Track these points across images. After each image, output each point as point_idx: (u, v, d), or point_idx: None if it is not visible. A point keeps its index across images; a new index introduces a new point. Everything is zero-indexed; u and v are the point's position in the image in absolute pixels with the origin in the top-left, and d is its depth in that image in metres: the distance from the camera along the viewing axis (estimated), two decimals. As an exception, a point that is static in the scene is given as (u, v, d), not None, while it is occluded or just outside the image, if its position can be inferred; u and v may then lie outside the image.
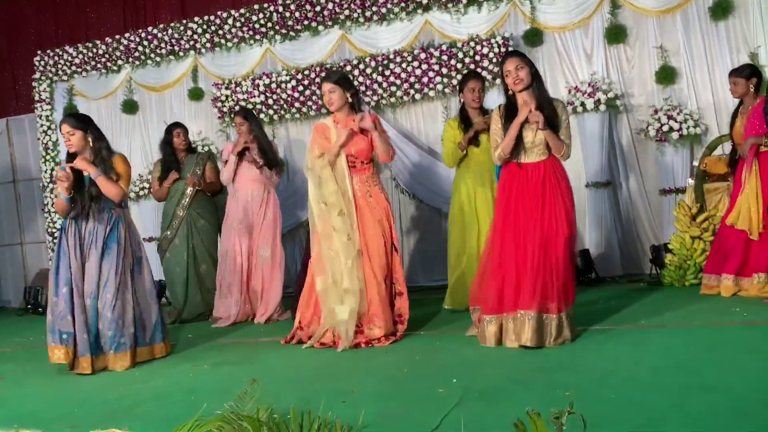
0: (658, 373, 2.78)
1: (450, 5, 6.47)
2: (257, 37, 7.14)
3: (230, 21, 7.19)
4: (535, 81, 3.70)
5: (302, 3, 6.92)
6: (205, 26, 7.30)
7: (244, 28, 7.16)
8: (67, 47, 7.91)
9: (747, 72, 4.61)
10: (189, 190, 5.62)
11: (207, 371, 3.69)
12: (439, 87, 6.37)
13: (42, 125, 7.99)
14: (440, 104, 6.56)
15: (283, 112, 6.96)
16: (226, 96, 7.11)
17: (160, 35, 7.49)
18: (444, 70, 6.37)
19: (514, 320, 3.52)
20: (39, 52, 8.06)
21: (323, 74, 4.73)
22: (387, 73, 6.53)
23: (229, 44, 7.25)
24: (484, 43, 6.25)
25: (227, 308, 5.38)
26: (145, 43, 7.55)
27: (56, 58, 7.95)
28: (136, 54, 7.60)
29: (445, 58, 6.36)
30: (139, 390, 3.33)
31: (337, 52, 6.91)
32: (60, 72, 7.96)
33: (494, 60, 6.19)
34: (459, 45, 6.34)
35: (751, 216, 4.44)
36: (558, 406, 2.01)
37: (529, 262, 3.54)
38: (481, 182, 4.77)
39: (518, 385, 2.79)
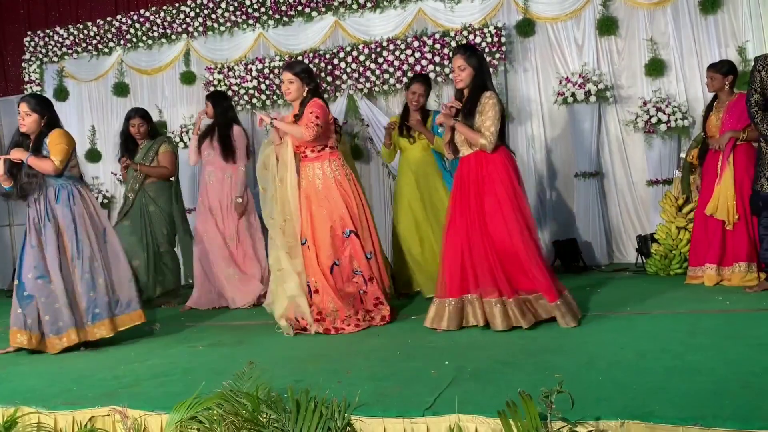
0: (643, 357, 2.87)
1: (443, -6, 6.51)
2: (250, 21, 7.14)
3: (223, 5, 7.18)
4: (477, 78, 3.78)
5: (296, -12, 6.92)
6: (197, 10, 7.28)
7: (237, 13, 7.15)
8: (57, 28, 7.86)
9: (725, 68, 4.74)
10: (139, 175, 5.61)
11: (202, 352, 3.75)
12: (432, 75, 6.41)
13: (32, 107, 7.94)
14: (432, 93, 6.59)
15: (275, 97, 6.97)
16: (219, 80, 7.11)
17: (152, 18, 7.46)
18: (437, 59, 6.42)
19: (469, 303, 3.73)
20: (29, 33, 8.00)
21: (286, 63, 4.79)
22: (380, 60, 6.57)
23: (222, 28, 7.25)
24: (477, 33, 6.30)
25: (194, 296, 5.45)
26: (137, 25, 7.52)
27: (47, 39, 7.90)
28: (128, 36, 7.57)
29: (438, 46, 6.41)
30: (136, 369, 3.39)
31: (330, 39, 6.93)
32: (50, 53, 7.91)
33: (486, 50, 6.23)
34: (452, 34, 6.39)
35: (728, 206, 4.57)
36: (547, 387, 2.09)
37: (466, 251, 3.72)
38: (422, 175, 5.05)
39: (508, 367, 2.88)
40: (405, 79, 6.50)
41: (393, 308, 4.28)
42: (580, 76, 6.09)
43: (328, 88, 6.69)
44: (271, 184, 4.16)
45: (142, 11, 7.52)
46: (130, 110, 5.80)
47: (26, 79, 7.98)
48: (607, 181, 6.29)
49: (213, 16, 7.24)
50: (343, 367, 3.09)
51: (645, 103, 5.94)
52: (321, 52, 6.75)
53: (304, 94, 4.20)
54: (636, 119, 5.97)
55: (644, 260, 5.61)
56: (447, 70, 6.33)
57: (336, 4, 6.82)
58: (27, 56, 7.99)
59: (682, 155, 5.67)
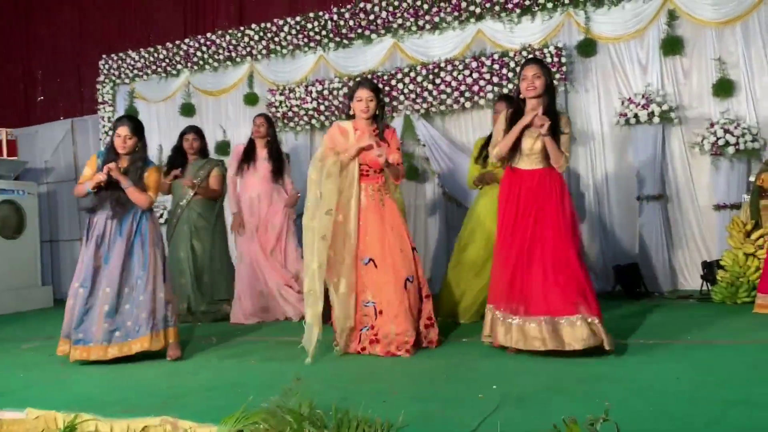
0: (699, 388, 2.76)
1: (503, 14, 6.49)
2: (311, 44, 7.30)
3: (285, 28, 7.37)
4: (548, 92, 3.78)
5: (356, 12, 7.04)
6: (261, 33, 7.50)
7: (299, 36, 7.33)
8: (129, 51, 8.24)
9: None
10: (188, 191, 5.88)
11: (254, 367, 3.82)
12: (490, 96, 6.39)
13: (104, 126, 8.33)
14: (490, 113, 6.56)
15: (334, 118, 7.08)
16: (280, 101, 7.29)
17: (218, 41, 7.73)
18: (495, 79, 6.39)
19: (511, 324, 3.64)
20: (104, 56, 8.42)
21: (358, 80, 4.75)
22: (437, 81, 6.59)
23: (284, 51, 7.44)
24: (537, 53, 6.25)
25: (237, 312, 5.60)
26: (204, 48, 7.80)
27: (119, 62, 8.29)
28: (195, 59, 7.86)
29: (496, 67, 6.38)
30: (188, 381, 3.47)
31: (389, 60, 7.01)
32: (123, 75, 8.29)
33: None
34: (511, 54, 6.36)
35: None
36: (594, 415, 2.03)
37: (519, 267, 3.65)
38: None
39: (556, 394, 2.81)
40: (462, 99, 6.51)
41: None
42: (643, 96, 5.94)
43: (386, 108, 6.75)
44: (330, 195, 4.03)
45: (209, 35, 7.80)
46: (185, 127, 6.18)
47: (100, 99, 8.38)
48: (672, 204, 6.09)
49: (276, 39, 7.44)
50: (389, 388, 3.09)
51: (712, 125, 5.74)
52: (379, 74, 6.83)
53: (376, 112, 4.23)
54: (702, 141, 5.77)
55: (710, 287, 5.38)
56: (505, 90, 6.30)
57: (395, 26, 6.90)
58: (101, 78, 8.39)
59: (752, 179, 5.44)
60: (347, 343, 4.05)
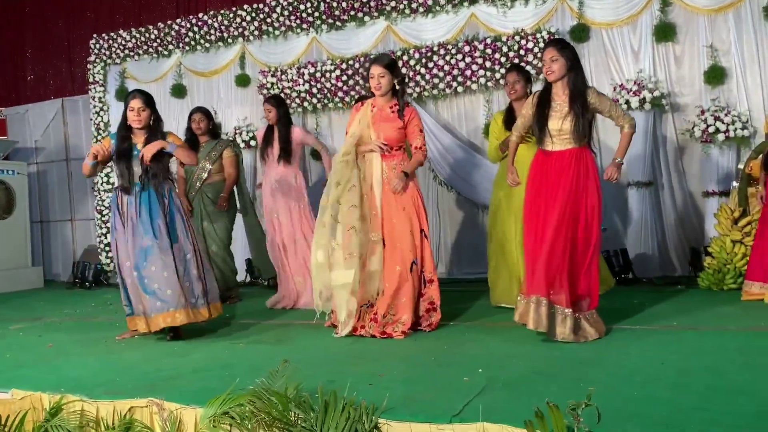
0: (684, 374, 2.78)
1: (497, -1, 6.46)
2: (304, 26, 7.25)
3: (278, 9, 7.31)
4: (572, 72, 3.71)
5: (349, -7, 6.99)
6: (253, 14, 7.43)
7: (292, 17, 7.27)
8: (121, 31, 8.15)
9: None
10: (203, 174, 5.73)
11: (243, 349, 3.83)
12: (482, 80, 6.37)
13: (95, 106, 8.27)
14: (482, 98, 6.56)
15: (326, 101, 7.05)
16: (272, 83, 7.24)
17: (210, 22, 7.66)
18: (488, 64, 6.36)
19: (527, 304, 3.61)
20: (95, 35, 8.32)
21: (372, 57, 4.70)
22: (430, 65, 6.56)
23: (277, 32, 7.38)
24: (530, 38, 6.23)
25: (276, 298, 5.48)
26: (196, 29, 7.73)
27: (110, 41, 8.20)
28: (187, 39, 7.79)
29: (489, 51, 6.36)
30: (177, 363, 3.48)
31: (382, 43, 6.96)
32: (114, 55, 8.21)
33: (539, 55, 6.15)
34: (504, 39, 6.33)
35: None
36: (579, 399, 2.05)
37: (543, 249, 3.59)
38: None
39: (542, 378, 2.83)
40: (455, 84, 6.48)
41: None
42: (635, 83, 5.94)
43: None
44: (351, 180, 4.09)
45: (200, 15, 7.72)
46: (193, 108, 6.01)
47: (90, 80, 8.30)
48: (661, 191, 6.11)
49: (268, 20, 7.37)
50: (377, 370, 3.11)
51: (703, 112, 5.74)
52: (372, 57, 6.78)
53: (396, 87, 4.20)
54: (693, 128, 5.78)
55: (697, 274, 5.42)
56: (498, 75, 6.28)
57: (389, 9, 6.85)
58: (92, 58, 8.31)
59: (741, 166, 5.46)
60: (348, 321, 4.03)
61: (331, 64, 6.98)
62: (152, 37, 7.96)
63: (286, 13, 7.28)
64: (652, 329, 3.79)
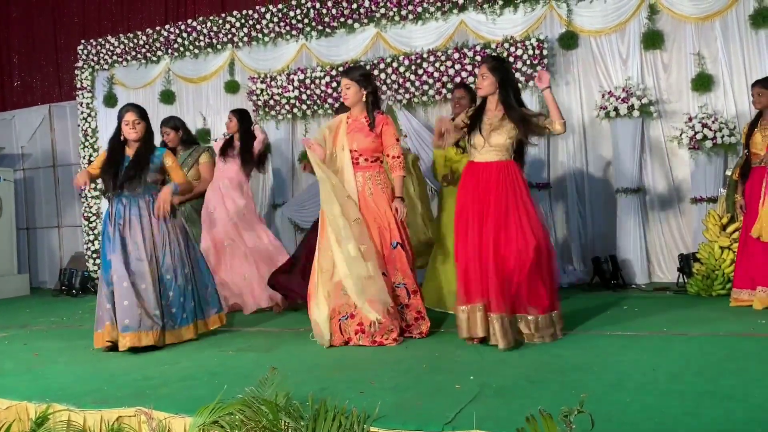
0: (675, 380, 2.78)
1: (486, 6, 6.48)
2: (293, 32, 7.24)
3: (268, 16, 7.30)
4: (503, 90, 3.82)
5: (339, 0, 6.99)
6: (243, 20, 7.42)
7: (281, 24, 7.26)
8: (109, 37, 8.11)
9: None
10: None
11: (231, 357, 3.79)
12: (472, 87, 6.38)
13: (83, 112, 8.21)
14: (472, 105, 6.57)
15: (316, 107, 7.04)
16: (261, 90, 7.22)
17: (199, 28, 7.64)
18: (477, 71, 6.38)
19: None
20: (82, 41, 8.27)
21: (343, 69, 4.80)
22: (420, 71, 6.57)
23: (266, 39, 7.37)
24: (519, 45, 6.25)
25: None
26: (185, 35, 7.70)
27: (98, 47, 8.15)
28: (176, 46, 7.76)
29: (478, 58, 6.37)
30: (165, 371, 3.44)
31: (372, 50, 6.97)
32: (102, 61, 8.16)
33: (528, 62, 6.18)
34: (493, 46, 6.35)
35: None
36: (571, 406, 2.05)
37: (479, 262, 3.68)
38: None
39: (534, 385, 2.82)
40: (444, 91, 6.50)
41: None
42: (623, 90, 5.97)
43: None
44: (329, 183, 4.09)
45: (189, 21, 7.69)
46: (162, 120, 5.95)
47: (78, 85, 8.25)
48: (650, 197, 6.15)
49: (257, 26, 7.36)
50: (367, 377, 3.09)
51: (690, 119, 5.78)
52: (362, 63, 6.79)
53: (363, 99, 4.22)
54: (681, 135, 5.81)
55: (686, 280, 5.45)
56: (487, 83, 6.30)
57: (378, 16, 6.86)
58: (80, 64, 8.25)
59: (728, 173, 5.50)
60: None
61: (321, 71, 6.97)
62: (141, 42, 7.93)
63: (275, 19, 7.27)
64: (642, 335, 3.79)
